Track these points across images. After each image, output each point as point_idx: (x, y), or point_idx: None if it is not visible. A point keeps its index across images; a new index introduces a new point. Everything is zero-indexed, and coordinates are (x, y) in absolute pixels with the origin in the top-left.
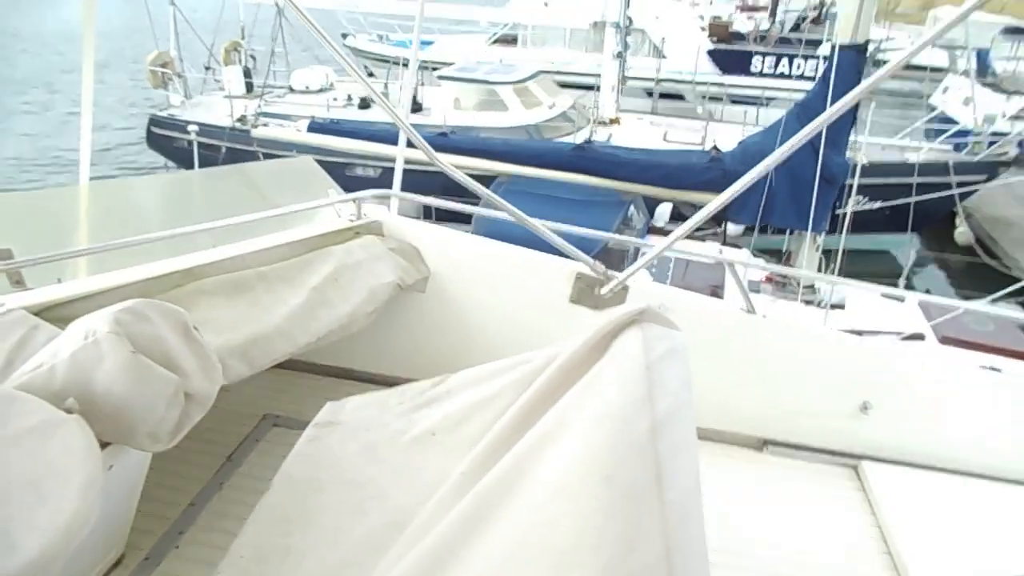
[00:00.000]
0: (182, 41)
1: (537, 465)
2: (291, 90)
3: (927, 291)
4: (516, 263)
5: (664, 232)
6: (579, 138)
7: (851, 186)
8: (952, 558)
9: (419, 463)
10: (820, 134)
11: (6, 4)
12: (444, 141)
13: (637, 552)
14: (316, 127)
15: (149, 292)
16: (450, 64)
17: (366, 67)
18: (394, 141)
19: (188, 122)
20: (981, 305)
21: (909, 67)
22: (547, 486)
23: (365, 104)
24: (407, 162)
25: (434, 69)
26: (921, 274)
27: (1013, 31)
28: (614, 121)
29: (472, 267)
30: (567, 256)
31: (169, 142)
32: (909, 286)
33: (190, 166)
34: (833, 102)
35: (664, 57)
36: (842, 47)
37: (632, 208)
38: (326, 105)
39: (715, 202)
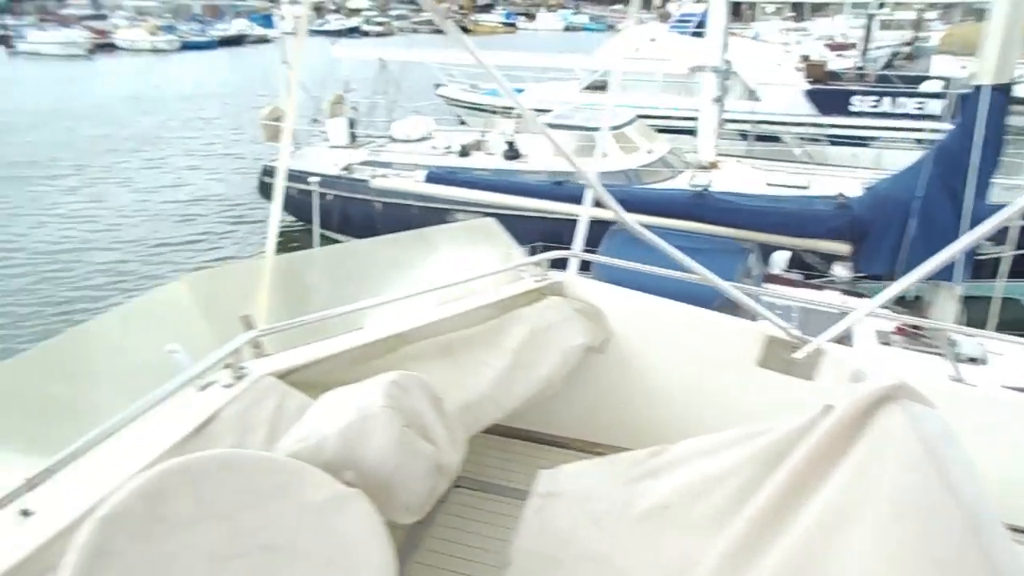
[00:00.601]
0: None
1: (828, 552)
2: (392, 139)
3: None
4: (698, 324)
5: (782, 280)
6: (679, 183)
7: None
8: None
9: (655, 539)
10: (962, 178)
11: (132, 71)
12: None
13: None
14: (434, 177)
15: (369, 356)
16: (545, 111)
17: (458, 116)
18: (510, 190)
19: (305, 172)
20: None
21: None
22: None
23: (465, 152)
24: (508, 208)
25: None
26: None
27: None
28: (713, 165)
29: (653, 328)
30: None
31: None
32: None
33: (301, 214)
34: (976, 144)
35: (759, 99)
36: (983, 87)
37: (749, 255)
38: (428, 153)
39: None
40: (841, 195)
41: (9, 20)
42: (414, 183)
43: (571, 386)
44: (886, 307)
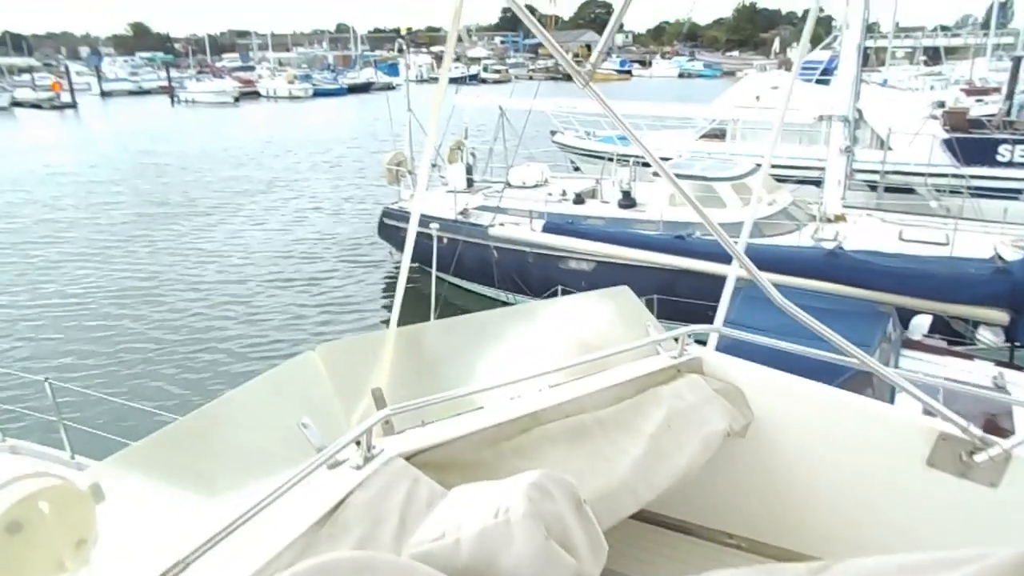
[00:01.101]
0: (412, 142)
1: None
2: (509, 185)
3: None
4: (853, 412)
5: (923, 347)
6: (802, 236)
7: None
8: None
9: None
10: None
11: (269, 116)
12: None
13: None
14: (551, 227)
15: (499, 438)
16: (663, 160)
17: (572, 162)
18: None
19: (425, 216)
20: None
21: None
22: None
23: (580, 199)
24: (626, 259)
25: (645, 165)
26: None
27: None
28: (840, 218)
29: (799, 412)
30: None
31: (397, 232)
32: None
33: (417, 257)
34: None
35: (890, 148)
36: None
37: (889, 319)
38: (542, 200)
39: None
40: (999, 257)
41: (174, 73)
42: (531, 232)
43: (710, 471)
44: None
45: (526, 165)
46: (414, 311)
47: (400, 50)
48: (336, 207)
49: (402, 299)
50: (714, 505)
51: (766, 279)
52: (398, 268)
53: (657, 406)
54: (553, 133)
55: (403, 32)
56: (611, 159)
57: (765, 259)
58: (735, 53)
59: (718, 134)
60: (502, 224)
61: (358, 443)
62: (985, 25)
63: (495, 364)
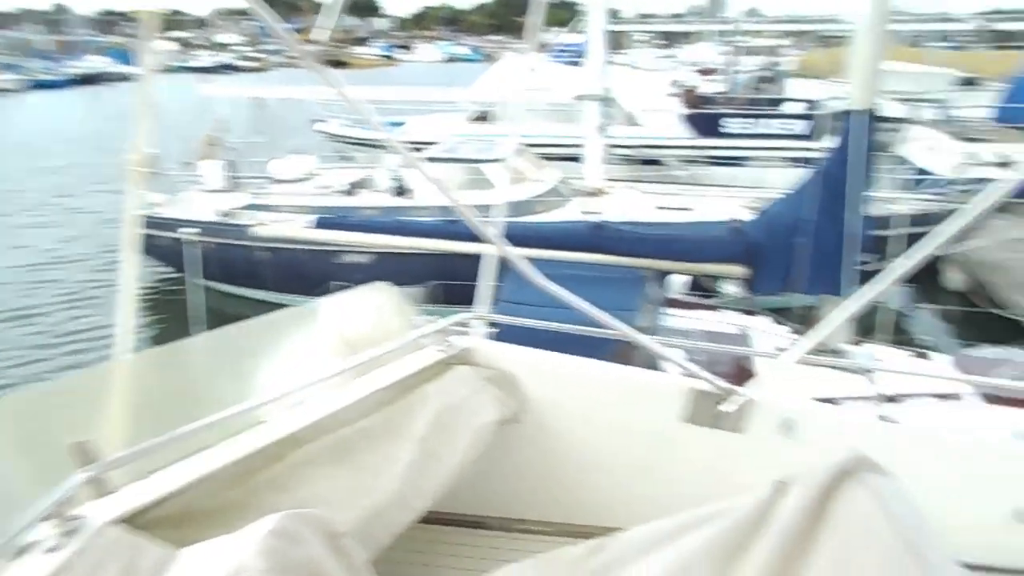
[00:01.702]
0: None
1: None
2: (273, 180)
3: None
4: (619, 383)
5: (684, 304)
6: (569, 211)
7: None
8: None
9: None
10: (841, 196)
11: None
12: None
13: None
14: (324, 223)
15: (249, 472)
16: (430, 144)
17: (339, 152)
18: (403, 231)
19: (180, 220)
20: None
21: (879, 119)
22: None
23: (352, 191)
24: (402, 249)
25: (417, 150)
26: (921, 323)
27: (967, 82)
28: (601, 191)
29: (569, 391)
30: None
31: (152, 241)
32: (909, 336)
33: (178, 265)
34: (850, 165)
35: (639, 124)
36: (855, 112)
37: (648, 282)
38: (312, 194)
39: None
40: (735, 220)
41: None
42: (301, 229)
43: (491, 461)
44: (784, 324)
45: (290, 158)
46: (179, 328)
47: (132, 35)
48: (64, 220)
49: (136, 321)
50: (500, 494)
51: (519, 255)
52: (160, 280)
53: (425, 405)
54: (314, 122)
55: (136, 14)
56: (382, 147)
57: (537, 236)
58: (499, 37)
59: (484, 117)
60: (264, 222)
61: (50, 518)
62: (709, 13)
63: (243, 385)
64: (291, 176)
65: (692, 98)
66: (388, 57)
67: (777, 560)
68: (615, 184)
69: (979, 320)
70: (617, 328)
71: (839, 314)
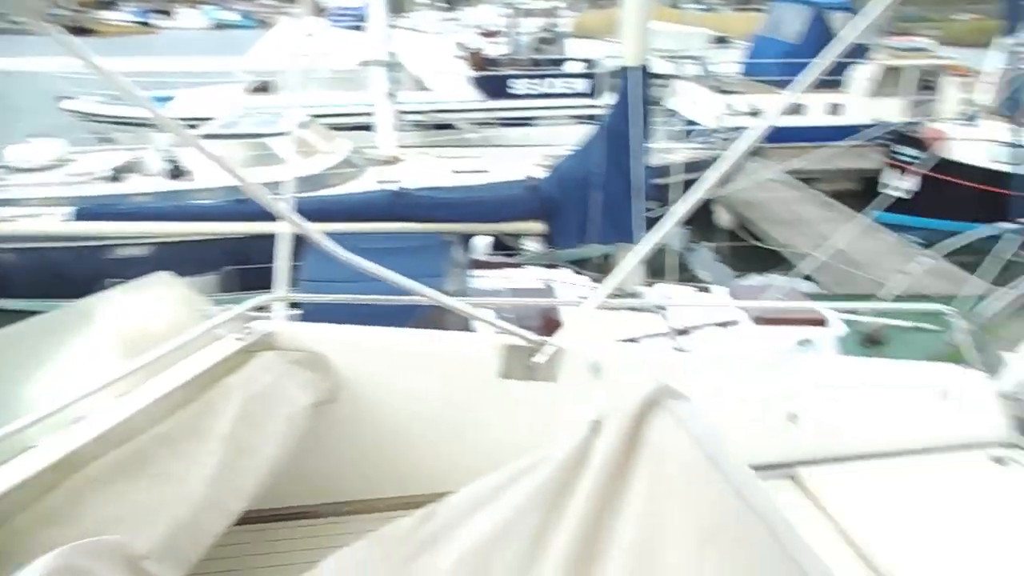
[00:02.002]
0: None
1: None
2: (13, 170)
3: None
4: (433, 348)
5: (489, 264)
6: (366, 182)
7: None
8: (914, 538)
9: None
10: (625, 149)
11: None
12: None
13: None
14: (86, 214)
15: (26, 502)
16: (206, 120)
17: (95, 134)
18: (182, 216)
19: None
20: (785, 280)
21: (652, 75)
22: None
23: (117, 176)
24: (182, 236)
25: (191, 127)
26: (699, 260)
27: (720, 41)
28: (396, 159)
29: (386, 362)
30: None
31: None
32: (692, 274)
33: None
34: (630, 119)
35: (428, 89)
36: (630, 69)
37: (453, 246)
38: (68, 183)
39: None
40: (530, 178)
41: None
42: (58, 224)
43: (311, 447)
44: (584, 274)
45: (30, 142)
46: None
47: None
48: None
49: None
50: (326, 479)
51: (317, 230)
52: None
53: (229, 399)
54: (60, 99)
55: None
56: (150, 126)
57: (334, 210)
58: (269, 1)
59: (263, 88)
60: (13, 219)
61: None
62: None
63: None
64: (36, 163)
65: (478, 60)
66: (144, 24)
67: (600, 492)
68: (409, 151)
69: (746, 253)
70: (424, 294)
71: (631, 259)
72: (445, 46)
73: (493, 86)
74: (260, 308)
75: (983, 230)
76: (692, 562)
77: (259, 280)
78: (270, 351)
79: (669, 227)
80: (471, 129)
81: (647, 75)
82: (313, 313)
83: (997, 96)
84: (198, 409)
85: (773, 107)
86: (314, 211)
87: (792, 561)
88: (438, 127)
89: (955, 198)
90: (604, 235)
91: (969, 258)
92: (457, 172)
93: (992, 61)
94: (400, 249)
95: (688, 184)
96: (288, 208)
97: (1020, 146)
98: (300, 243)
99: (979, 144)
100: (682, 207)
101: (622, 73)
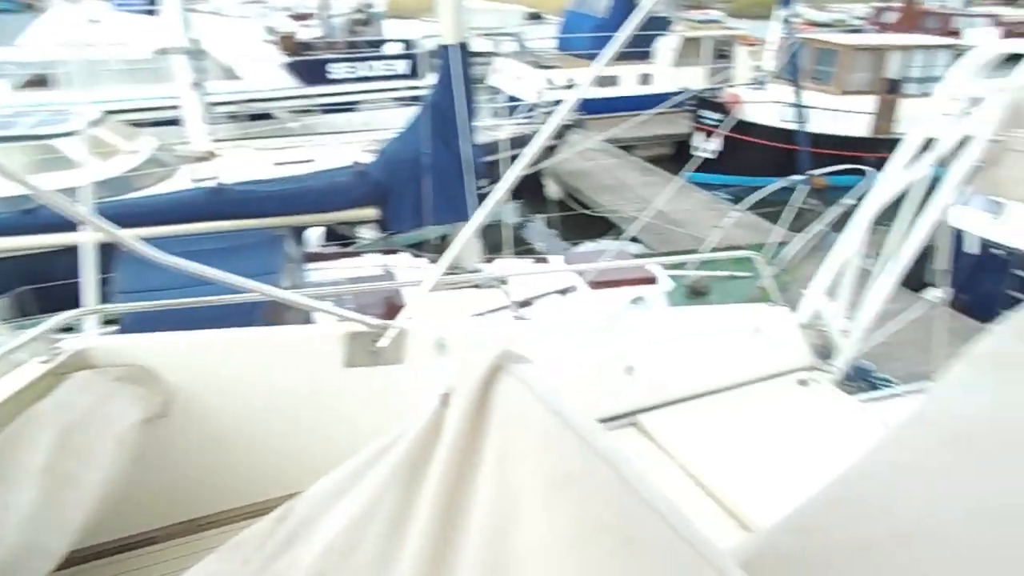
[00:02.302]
0: None
1: (509, 556)
2: None
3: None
4: (271, 345)
5: (325, 256)
6: (179, 182)
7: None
8: (742, 461)
9: None
10: (451, 127)
11: None
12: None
13: None
14: None
15: None
16: None
17: None
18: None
19: None
20: (615, 244)
21: (472, 53)
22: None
23: None
24: None
25: None
26: (535, 232)
27: (534, 17)
28: (211, 155)
29: (221, 366)
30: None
31: None
32: (529, 246)
33: None
34: (455, 97)
35: (239, 78)
36: (451, 47)
37: (285, 241)
38: None
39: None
40: (357, 163)
41: None
42: None
43: (144, 468)
44: (423, 256)
45: None
46: None
47: None
48: None
49: None
50: (170, 498)
51: (130, 236)
52: None
53: (41, 429)
54: None
55: None
56: None
57: (147, 213)
58: None
59: (44, 81)
60: None
61: None
62: None
63: None
64: None
65: (291, 45)
66: None
67: (455, 464)
68: (224, 145)
69: (577, 221)
70: (255, 289)
71: (462, 236)
72: (253, 31)
73: (310, 71)
74: (65, 328)
75: (779, 183)
76: (544, 512)
77: (66, 299)
78: (85, 370)
79: (495, 202)
80: (291, 118)
81: (467, 52)
82: (135, 326)
83: (779, 62)
84: (4, 444)
85: (584, 80)
86: (123, 216)
87: (640, 499)
88: (254, 118)
89: (753, 156)
90: (439, 215)
91: (771, 209)
92: (280, 164)
93: (772, 31)
94: (226, 249)
95: (515, 160)
96: (90, 213)
97: (801, 106)
98: (110, 253)
99: (770, 106)
100: (505, 182)
101: (442, 52)
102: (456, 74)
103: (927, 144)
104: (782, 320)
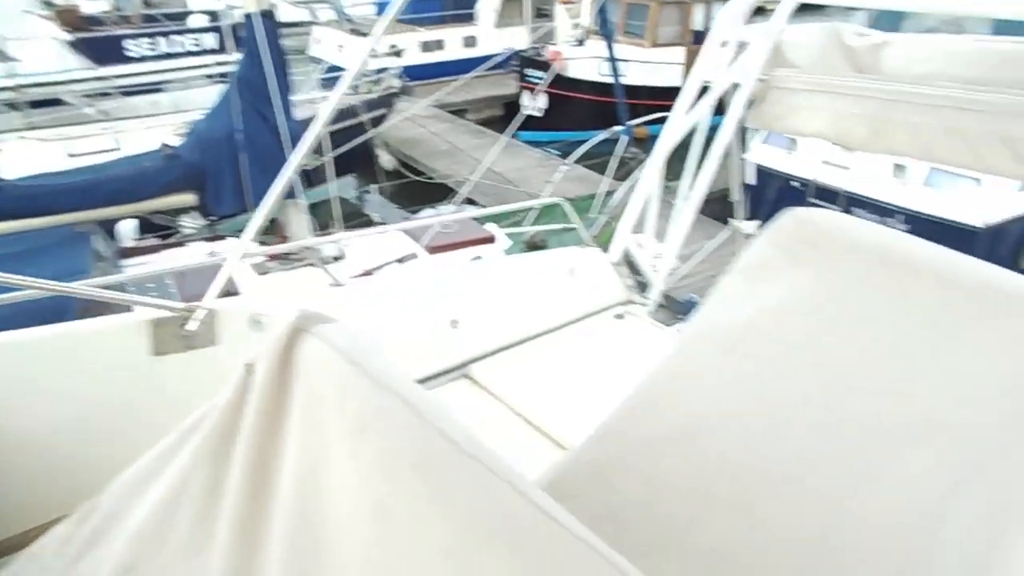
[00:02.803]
0: None
1: (324, 511)
2: None
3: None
4: (69, 343)
5: (143, 250)
6: None
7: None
8: (570, 399)
9: None
10: (265, 102)
11: None
12: None
13: None
14: None
15: None
16: None
17: None
18: None
19: None
20: (452, 207)
21: (282, 23)
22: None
23: None
24: None
25: None
26: (372, 204)
27: None
28: None
29: (14, 370)
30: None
31: None
32: (366, 217)
33: None
34: (265, 69)
35: (15, 60)
36: (254, 16)
37: (92, 237)
38: None
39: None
40: (165, 146)
41: None
42: None
43: None
44: (255, 241)
45: None
46: None
47: None
48: None
49: None
50: None
51: None
52: None
53: None
54: None
55: None
56: None
57: None
58: None
59: None
60: None
61: None
62: None
63: None
64: None
65: (74, 20)
66: None
67: (262, 428)
68: (5, 137)
69: (415, 189)
70: (33, 286)
71: (295, 214)
72: (20, 3)
73: (102, 50)
74: None
75: (600, 135)
76: (348, 457)
77: None
78: None
79: (289, 175)
80: (84, 103)
81: (273, 21)
82: None
83: (593, 18)
84: None
85: (363, 47)
86: None
87: (435, 430)
88: (36, 104)
89: (578, 111)
90: (262, 195)
91: (598, 161)
92: (74, 155)
93: None
94: (22, 253)
95: (345, 132)
96: None
97: (614, 60)
98: None
99: (589, 61)
100: (297, 155)
101: (248, 22)
102: (262, 44)
103: (704, 89)
104: (595, 260)
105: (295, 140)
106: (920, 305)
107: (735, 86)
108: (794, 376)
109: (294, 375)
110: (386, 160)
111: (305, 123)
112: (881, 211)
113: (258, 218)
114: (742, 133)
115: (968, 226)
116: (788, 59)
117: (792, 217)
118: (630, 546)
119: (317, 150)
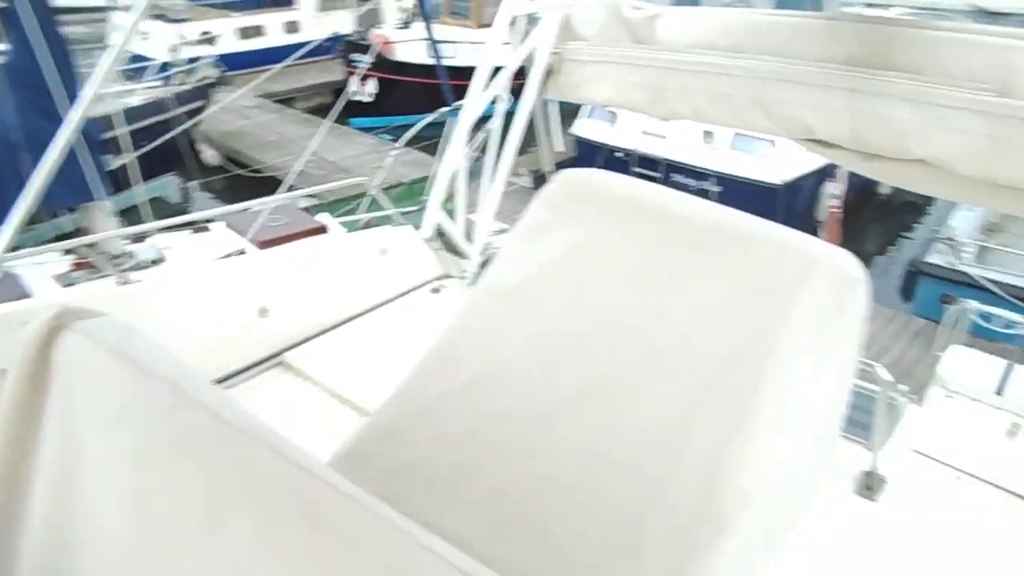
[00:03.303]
0: None
1: (81, 519)
2: None
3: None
4: None
5: None
6: None
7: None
8: (394, 374)
9: None
10: (45, 99)
11: None
12: None
13: None
14: None
15: None
16: None
17: None
18: None
19: None
20: (281, 199)
21: (70, 11)
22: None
23: None
24: None
25: None
26: (200, 202)
27: None
28: None
29: None
30: None
31: None
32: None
33: None
34: (39, 59)
35: None
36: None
37: None
38: None
39: None
40: None
41: None
42: None
43: None
44: (45, 247)
45: None
46: None
47: None
48: None
49: None
50: None
51: None
52: None
53: None
54: None
55: None
56: None
57: None
58: None
59: None
60: None
61: None
62: None
63: None
64: None
65: None
66: None
67: (15, 434)
68: None
69: (244, 183)
70: None
71: (101, 218)
72: None
73: None
74: None
75: (428, 118)
76: (108, 446)
77: None
78: None
79: (45, 174)
80: None
81: (44, 7)
82: None
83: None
84: None
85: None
86: None
87: (196, 405)
88: None
89: (408, 94)
90: (55, 198)
91: (431, 143)
92: None
93: None
94: None
95: (155, 127)
96: None
97: (434, 42)
98: None
99: (417, 44)
100: (55, 149)
101: (12, 12)
102: (34, 33)
103: (498, 69)
104: (408, 238)
105: (87, 137)
106: (666, 247)
107: (531, 60)
108: (565, 326)
109: (52, 374)
110: (210, 155)
111: (101, 120)
112: (696, 175)
113: (13, 222)
114: (557, 108)
115: (768, 183)
116: (577, 32)
117: (561, 178)
118: (417, 497)
119: (120, 149)
